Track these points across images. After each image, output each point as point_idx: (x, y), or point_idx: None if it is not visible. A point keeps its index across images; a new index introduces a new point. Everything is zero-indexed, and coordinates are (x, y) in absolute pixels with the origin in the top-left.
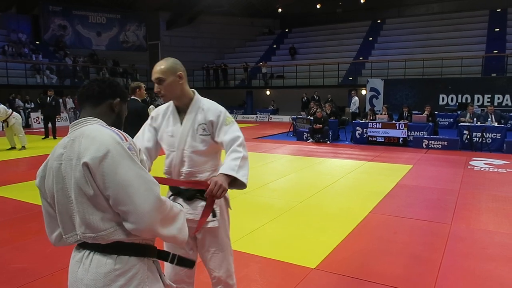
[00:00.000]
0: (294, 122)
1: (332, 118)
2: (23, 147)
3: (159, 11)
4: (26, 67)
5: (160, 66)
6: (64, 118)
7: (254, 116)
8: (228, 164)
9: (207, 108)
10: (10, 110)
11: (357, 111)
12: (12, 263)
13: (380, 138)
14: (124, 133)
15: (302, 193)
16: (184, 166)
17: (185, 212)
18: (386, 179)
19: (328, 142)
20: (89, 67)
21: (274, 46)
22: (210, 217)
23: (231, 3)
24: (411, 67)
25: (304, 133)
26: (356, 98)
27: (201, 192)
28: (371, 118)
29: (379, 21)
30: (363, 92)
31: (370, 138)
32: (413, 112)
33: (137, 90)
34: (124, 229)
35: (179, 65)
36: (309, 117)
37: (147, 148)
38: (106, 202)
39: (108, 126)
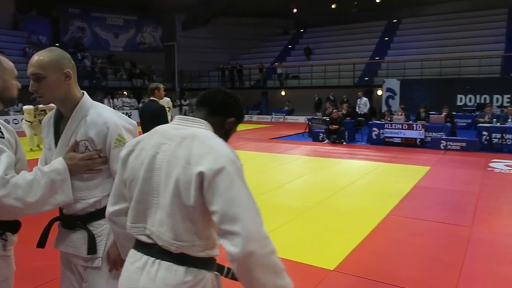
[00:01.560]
0: (309, 122)
1: (348, 118)
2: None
3: (175, 12)
4: None
5: (40, 57)
6: None
7: (269, 116)
8: None
9: (91, 119)
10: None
11: (365, 112)
12: (34, 261)
13: (397, 139)
14: (235, 153)
15: (318, 194)
16: None
17: (65, 244)
18: (403, 181)
19: (344, 143)
20: (107, 68)
21: (289, 46)
22: (86, 253)
23: (246, 4)
24: (428, 67)
25: (320, 134)
26: (365, 99)
27: (83, 220)
28: (388, 119)
29: (395, 20)
30: (379, 92)
31: (386, 139)
32: (431, 112)
33: (156, 91)
34: (203, 246)
35: (67, 59)
36: (324, 117)
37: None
38: (200, 215)
39: (222, 140)
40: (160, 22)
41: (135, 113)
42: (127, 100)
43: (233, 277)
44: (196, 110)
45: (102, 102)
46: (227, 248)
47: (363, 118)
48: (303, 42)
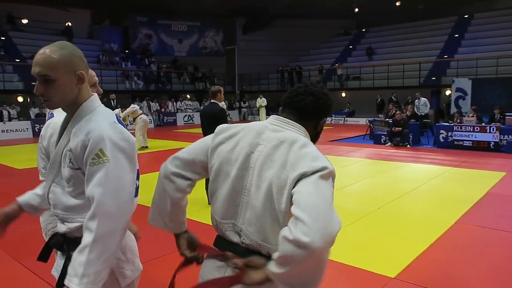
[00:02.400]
0: (371, 124)
1: (413, 120)
2: (142, 147)
3: (236, 17)
4: (117, 74)
5: (49, 55)
6: (149, 120)
7: (329, 118)
8: (71, 263)
9: (78, 126)
10: (140, 111)
11: (426, 113)
12: None
13: (467, 142)
14: (331, 164)
15: (380, 198)
16: (50, 205)
17: (54, 267)
18: (474, 187)
19: (408, 145)
20: (171, 72)
21: (350, 46)
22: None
23: (305, 5)
24: (504, 64)
25: (382, 136)
26: (424, 99)
27: (69, 243)
28: (458, 120)
29: (466, 16)
30: (448, 92)
31: (455, 142)
32: (506, 114)
33: (218, 94)
34: None
35: (79, 58)
36: (387, 119)
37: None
38: (286, 220)
39: (319, 150)
40: (222, 27)
41: (197, 115)
42: (190, 102)
43: None
44: (285, 112)
45: (166, 105)
46: (293, 231)
47: (429, 120)
48: (364, 42)
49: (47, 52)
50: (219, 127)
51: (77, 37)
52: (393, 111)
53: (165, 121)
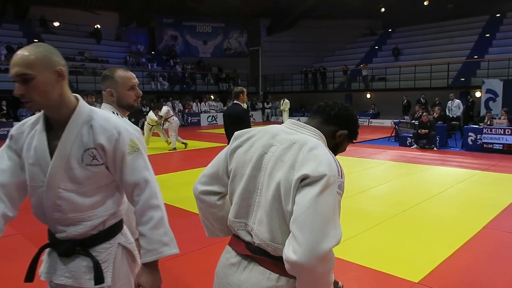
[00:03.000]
0: (396, 126)
1: (440, 122)
2: (174, 149)
3: (260, 18)
4: (143, 75)
5: (25, 54)
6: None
7: None
8: (149, 241)
9: (99, 124)
10: (171, 113)
11: (461, 115)
12: None
13: (497, 145)
14: (341, 168)
15: (404, 201)
16: (59, 212)
17: (61, 275)
18: (504, 192)
19: (435, 148)
20: (196, 73)
21: (376, 47)
22: (91, 284)
23: (330, 5)
24: None
25: (408, 138)
26: (458, 101)
27: (84, 245)
28: (488, 123)
29: (498, 15)
30: (478, 94)
31: (485, 145)
32: None
33: (241, 95)
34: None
35: (57, 55)
36: (413, 121)
37: (1, 184)
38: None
39: (331, 152)
40: (246, 28)
41: (220, 116)
42: (213, 103)
43: None
44: (310, 117)
45: (190, 106)
46: (286, 249)
47: (457, 122)
48: (391, 42)
49: (23, 52)
50: (237, 133)
51: (105, 39)
52: (420, 113)
53: (189, 121)
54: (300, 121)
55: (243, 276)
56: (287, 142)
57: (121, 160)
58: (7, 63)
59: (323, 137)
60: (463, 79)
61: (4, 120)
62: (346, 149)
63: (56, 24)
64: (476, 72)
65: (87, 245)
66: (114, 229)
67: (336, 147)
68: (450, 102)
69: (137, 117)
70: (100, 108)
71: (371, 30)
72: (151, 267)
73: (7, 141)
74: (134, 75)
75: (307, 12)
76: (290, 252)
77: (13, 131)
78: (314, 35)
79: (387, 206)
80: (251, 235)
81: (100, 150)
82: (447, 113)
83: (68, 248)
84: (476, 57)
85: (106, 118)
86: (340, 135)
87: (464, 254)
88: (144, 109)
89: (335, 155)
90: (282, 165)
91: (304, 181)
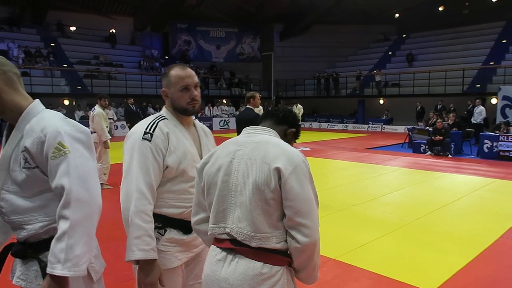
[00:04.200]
0: (410, 133)
1: (454, 129)
2: None
3: (273, 23)
4: (157, 79)
5: None
6: None
7: (366, 126)
8: (50, 252)
9: (29, 127)
10: None
11: (483, 122)
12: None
13: None
14: (303, 154)
15: (418, 209)
16: (3, 214)
17: (17, 277)
18: None
19: (449, 155)
20: (209, 78)
21: (390, 53)
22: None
23: (344, 11)
24: None
25: (422, 145)
26: (482, 107)
27: (35, 248)
28: (504, 130)
29: None
30: (493, 101)
31: (501, 153)
32: None
33: (251, 99)
34: (280, 237)
35: None
36: (427, 127)
37: None
38: (277, 207)
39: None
40: (259, 33)
41: (233, 120)
42: (226, 108)
43: None
44: (261, 121)
45: (203, 110)
46: (298, 238)
47: (472, 129)
48: (405, 48)
49: None
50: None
51: (120, 43)
52: (434, 119)
53: None
54: (311, 126)
55: (230, 269)
56: (251, 144)
57: (47, 164)
58: (25, 67)
59: (278, 135)
60: (478, 85)
61: None
62: (359, 156)
63: (73, 28)
64: (492, 78)
65: (38, 249)
66: None
67: (288, 143)
68: (475, 107)
69: (134, 121)
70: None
71: (385, 36)
72: (55, 281)
73: None
74: (193, 73)
75: (320, 18)
76: (302, 237)
77: None
78: (327, 40)
79: (400, 214)
80: (232, 235)
81: (28, 153)
82: (472, 120)
83: (18, 250)
84: (492, 63)
85: (40, 119)
86: (290, 132)
87: (480, 265)
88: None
89: None
90: (253, 162)
91: (283, 175)
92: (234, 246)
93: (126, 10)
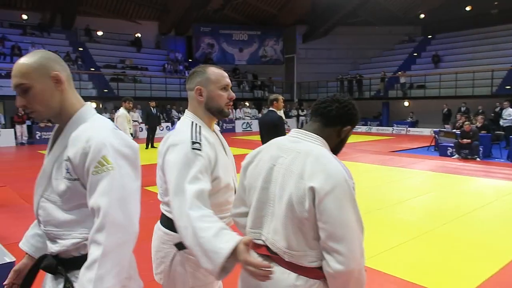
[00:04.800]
0: (436, 135)
1: (483, 132)
2: None
3: (296, 25)
4: (180, 82)
5: (20, 63)
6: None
7: (390, 128)
8: (79, 280)
9: (75, 134)
10: None
11: (509, 125)
12: None
13: None
14: (349, 171)
15: (445, 214)
16: (40, 222)
17: None
18: None
19: (477, 159)
20: (231, 80)
21: (415, 54)
22: None
23: (368, 12)
24: None
25: (449, 148)
26: (511, 109)
27: (65, 264)
28: None
29: None
30: None
31: None
32: None
33: (275, 102)
34: (316, 256)
35: (53, 60)
36: (454, 130)
37: None
38: (311, 227)
39: (337, 159)
40: (282, 35)
41: (255, 122)
42: (248, 110)
43: None
44: (310, 120)
45: None
46: (330, 264)
47: (502, 132)
48: (431, 49)
49: (19, 61)
50: (247, 155)
51: (145, 47)
52: (462, 122)
53: (224, 128)
54: None
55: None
56: (293, 153)
57: (87, 179)
58: None
59: (325, 142)
60: (508, 87)
61: (50, 124)
62: (383, 158)
63: (100, 33)
64: None
65: (67, 266)
66: None
67: (341, 142)
68: (503, 110)
69: (152, 123)
70: (182, 117)
71: (410, 37)
72: None
73: None
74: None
75: (344, 19)
76: (336, 264)
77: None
78: (350, 42)
79: (426, 218)
80: (266, 244)
81: (70, 163)
82: (500, 122)
83: (49, 264)
84: None
85: (88, 127)
86: (345, 131)
87: (510, 273)
88: (181, 115)
89: (341, 149)
90: (291, 175)
91: (318, 196)
92: (270, 254)
93: (151, 15)
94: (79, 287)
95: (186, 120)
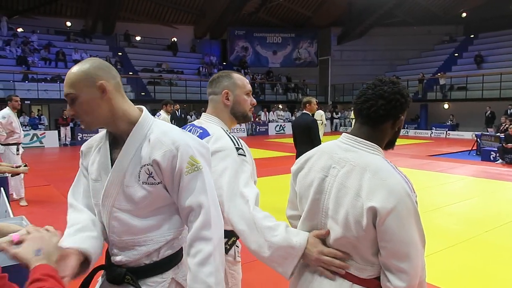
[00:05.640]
0: (478, 139)
1: None
2: None
3: (331, 27)
4: None
5: (70, 72)
6: (242, 129)
7: (429, 131)
8: (193, 278)
9: (155, 138)
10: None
11: None
12: None
13: None
14: (411, 183)
15: (487, 221)
16: (113, 233)
17: None
18: None
19: None
20: (265, 83)
21: (456, 54)
22: None
23: (406, 12)
24: None
25: (492, 153)
26: None
27: (135, 274)
28: None
29: None
30: None
31: None
32: None
33: (307, 104)
34: (370, 272)
35: (101, 69)
36: (498, 134)
37: (88, 205)
38: (370, 245)
39: (397, 170)
40: (316, 37)
41: (288, 125)
42: (281, 113)
43: None
44: (357, 122)
45: (258, 115)
46: (392, 282)
47: None
48: (473, 49)
49: (70, 71)
50: (297, 159)
51: (181, 51)
52: (507, 125)
53: (257, 130)
54: None
55: (315, 283)
56: (347, 165)
57: (178, 180)
58: None
59: (381, 149)
60: None
61: None
62: (421, 163)
63: (138, 38)
64: None
65: (138, 275)
66: (170, 261)
67: (396, 134)
68: None
69: (178, 126)
70: (204, 121)
71: (451, 37)
72: None
73: (80, 158)
74: None
75: (380, 20)
76: (398, 282)
77: (83, 146)
78: (387, 43)
79: (467, 225)
80: None
81: (156, 167)
82: None
83: (119, 274)
84: None
85: (165, 131)
86: (398, 122)
87: None
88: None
89: (397, 138)
90: (346, 191)
91: (380, 216)
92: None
93: (187, 19)
94: (197, 284)
95: (214, 125)
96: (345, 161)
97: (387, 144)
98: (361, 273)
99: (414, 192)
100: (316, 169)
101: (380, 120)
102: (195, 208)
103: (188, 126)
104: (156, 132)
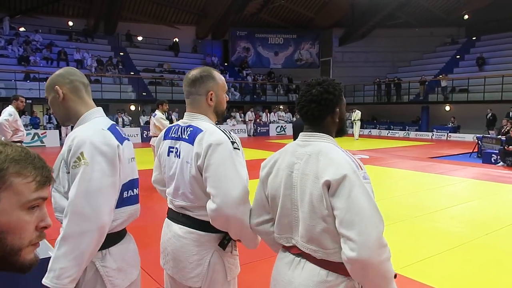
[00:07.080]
0: (479, 141)
1: None
2: None
3: (333, 28)
4: None
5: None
6: (243, 130)
7: (430, 133)
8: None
9: (69, 135)
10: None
11: None
12: None
13: None
14: (359, 161)
15: (488, 223)
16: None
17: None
18: None
19: None
20: (266, 84)
21: (457, 56)
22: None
23: (408, 14)
24: None
25: (493, 155)
26: None
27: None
28: None
29: None
30: None
31: None
32: None
33: None
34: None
35: (60, 75)
36: (499, 136)
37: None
38: (333, 225)
39: (347, 152)
40: (318, 38)
41: (289, 126)
42: (282, 114)
43: None
44: (305, 124)
45: (260, 116)
46: (344, 251)
47: None
48: (475, 51)
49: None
50: (263, 162)
51: (182, 51)
52: (508, 127)
53: (258, 131)
54: (371, 133)
55: (295, 273)
56: (305, 156)
57: (71, 172)
58: (97, 75)
59: (330, 137)
60: None
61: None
62: (422, 165)
63: (140, 38)
64: None
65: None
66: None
67: (341, 122)
68: None
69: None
70: (191, 119)
71: (453, 39)
72: None
73: None
74: None
75: (382, 21)
76: (348, 251)
77: None
78: (388, 44)
79: (468, 228)
80: (297, 247)
81: (66, 159)
82: None
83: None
84: None
85: (79, 129)
86: (337, 113)
87: None
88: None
89: (345, 126)
90: (307, 178)
91: (332, 187)
92: (302, 251)
93: (189, 19)
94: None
95: (203, 122)
96: (303, 154)
97: (338, 132)
98: (334, 257)
99: (363, 169)
100: (283, 168)
101: (319, 118)
102: (69, 202)
103: (174, 126)
104: (76, 129)
